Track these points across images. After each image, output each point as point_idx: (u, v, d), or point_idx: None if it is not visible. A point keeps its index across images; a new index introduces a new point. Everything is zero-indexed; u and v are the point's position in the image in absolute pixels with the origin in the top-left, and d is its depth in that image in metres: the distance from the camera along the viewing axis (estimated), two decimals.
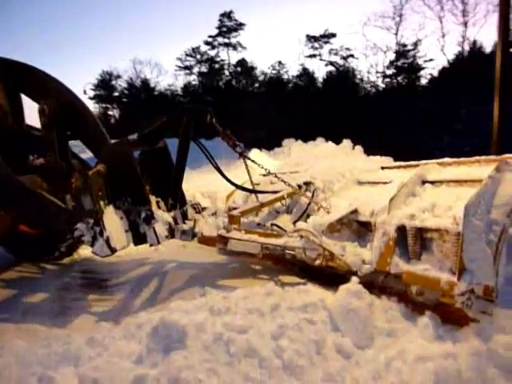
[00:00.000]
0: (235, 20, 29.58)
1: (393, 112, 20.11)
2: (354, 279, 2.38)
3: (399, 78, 26.61)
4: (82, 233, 3.00)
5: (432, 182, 2.68)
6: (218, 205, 5.09)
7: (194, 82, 31.49)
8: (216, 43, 30.28)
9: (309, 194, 3.66)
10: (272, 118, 20.51)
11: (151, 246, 3.26)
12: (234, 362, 1.90)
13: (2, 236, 3.78)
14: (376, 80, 27.62)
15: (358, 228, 3.05)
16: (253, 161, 3.66)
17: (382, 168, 3.57)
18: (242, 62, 29.41)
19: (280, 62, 28.39)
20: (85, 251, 4.54)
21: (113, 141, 3.85)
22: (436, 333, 2.09)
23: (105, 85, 41.25)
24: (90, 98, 44.23)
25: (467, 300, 2.08)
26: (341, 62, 28.03)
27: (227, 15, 29.53)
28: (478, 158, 2.74)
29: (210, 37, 29.99)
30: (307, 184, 3.79)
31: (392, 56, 27.30)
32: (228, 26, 29.86)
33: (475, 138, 17.04)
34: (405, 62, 26.65)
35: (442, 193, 2.49)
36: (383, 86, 27.31)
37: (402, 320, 2.24)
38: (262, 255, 3.02)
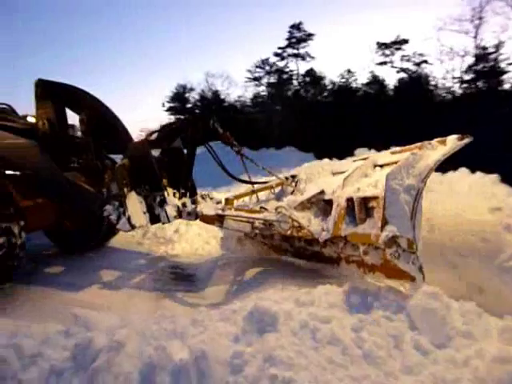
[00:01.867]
0: (304, 31, 29.91)
1: (472, 118, 19.03)
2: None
3: (479, 83, 25.02)
4: (110, 213, 3.74)
5: (381, 166, 3.32)
6: None
7: (262, 93, 32.25)
8: (285, 54, 30.78)
9: (293, 184, 4.28)
10: (341, 127, 20.41)
11: (163, 223, 3.89)
12: (319, 347, 2.13)
13: (49, 228, 4.82)
14: (452, 86, 26.25)
15: (324, 206, 3.61)
16: (251, 160, 4.25)
17: (354, 161, 4.02)
18: (310, 72, 29.58)
19: (349, 71, 28.13)
20: (167, 249, 5.05)
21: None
22: None
23: (179, 97, 43.89)
24: (166, 110, 47.26)
25: (395, 252, 2.67)
26: (413, 68, 27.05)
27: (296, 26, 29.96)
28: (422, 143, 3.16)
29: (279, 48, 30.60)
30: (293, 176, 4.39)
31: (470, 60, 25.78)
32: (297, 37, 30.25)
33: None
34: (485, 66, 24.98)
35: (385, 172, 2.95)
36: (460, 91, 25.83)
37: (480, 322, 2.31)
38: (254, 234, 3.76)
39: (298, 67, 30.79)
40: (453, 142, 3.10)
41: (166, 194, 3.85)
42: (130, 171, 3.76)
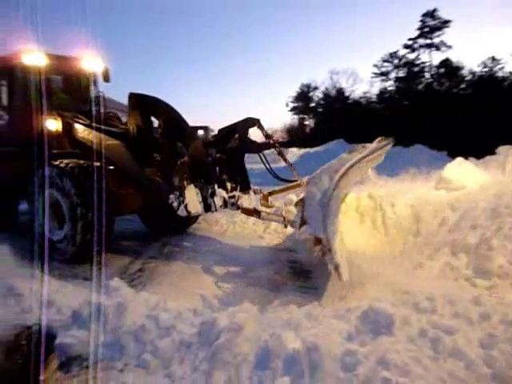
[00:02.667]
0: (439, 18, 27.39)
1: None
2: None
3: None
4: (172, 201, 4.36)
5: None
6: None
7: (389, 88, 30.60)
8: (416, 45, 28.66)
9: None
10: (481, 122, 18.15)
11: (212, 212, 4.61)
12: (439, 358, 1.99)
13: (139, 212, 5.90)
14: None
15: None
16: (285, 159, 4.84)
17: None
18: (445, 63, 26.95)
19: (493, 58, 24.79)
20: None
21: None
22: None
23: (303, 97, 44.39)
24: (290, 110, 48.27)
25: (320, 250, 3.47)
26: None
27: (430, 14, 27.60)
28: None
29: (409, 39, 28.63)
30: None
31: None
32: (431, 26, 27.86)
33: None
34: None
35: None
36: None
37: None
38: (285, 225, 4.24)
39: (432, 58, 28.37)
40: (373, 145, 3.52)
41: (215, 186, 4.56)
42: (189, 167, 4.47)
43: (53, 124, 5.32)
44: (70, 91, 6.47)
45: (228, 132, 4.85)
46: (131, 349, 2.57)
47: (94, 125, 5.15)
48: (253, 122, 4.70)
